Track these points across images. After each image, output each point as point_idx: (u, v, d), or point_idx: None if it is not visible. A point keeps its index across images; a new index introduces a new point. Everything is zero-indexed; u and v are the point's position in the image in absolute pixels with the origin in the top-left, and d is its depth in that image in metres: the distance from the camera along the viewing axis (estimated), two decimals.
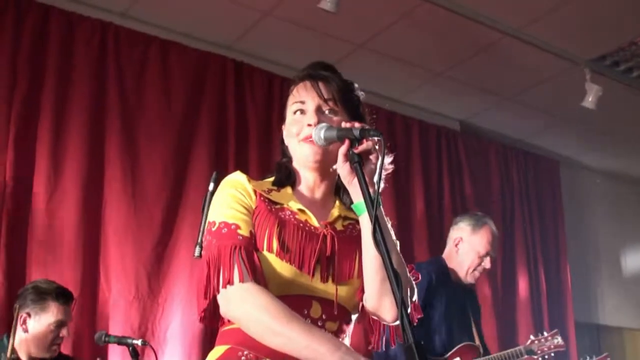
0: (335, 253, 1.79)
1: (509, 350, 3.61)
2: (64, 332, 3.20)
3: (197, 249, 2.62)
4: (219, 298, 1.69)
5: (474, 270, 3.61)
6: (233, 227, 1.75)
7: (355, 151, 1.71)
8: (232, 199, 1.82)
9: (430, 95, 5.46)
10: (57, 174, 3.88)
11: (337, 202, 1.95)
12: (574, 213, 6.56)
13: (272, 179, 1.93)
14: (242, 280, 1.66)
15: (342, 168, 1.77)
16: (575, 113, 5.50)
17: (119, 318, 3.84)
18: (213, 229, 1.77)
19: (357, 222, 1.87)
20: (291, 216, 1.82)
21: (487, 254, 3.61)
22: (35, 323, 3.15)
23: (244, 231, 1.75)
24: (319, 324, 1.74)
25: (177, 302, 4.02)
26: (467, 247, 3.62)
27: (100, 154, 4.08)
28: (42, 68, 3.98)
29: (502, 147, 6.18)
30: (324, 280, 1.77)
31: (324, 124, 1.80)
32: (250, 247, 1.72)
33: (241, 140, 4.59)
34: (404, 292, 1.83)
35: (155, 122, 4.28)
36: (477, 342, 3.59)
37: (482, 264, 3.60)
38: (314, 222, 1.83)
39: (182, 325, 4.00)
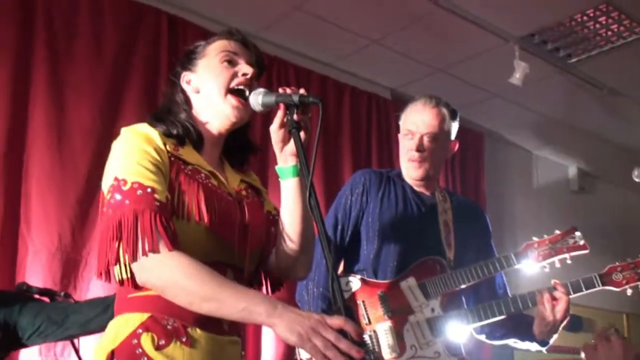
0: (250, 222, 1.78)
1: (491, 259, 2.77)
2: None
3: None
4: (136, 265, 1.57)
5: (404, 159, 2.78)
6: (149, 190, 1.61)
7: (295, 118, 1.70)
8: (144, 156, 1.67)
9: (363, 62, 5.49)
10: None
11: (227, 164, 1.92)
12: (494, 186, 6.77)
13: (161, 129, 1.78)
14: (169, 249, 1.55)
15: (277, 133, 1.77)
16: (503, 88, 5.66)
17: (40, 270, 3.75)
18: (124, 188, 1.64)
19: (251, 185, 1.91)
20: (207, 181, 1.73)
21: (408, 133, 2.75)
22: None
23: (161, 196, 1.62)
24: None
25: None
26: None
27: (24, 102, 3.93)
28: None
29: None
30: (242, 249, 1.75)
31: (261, 89, 1.78)
32: (167, 215, 1.61)
33: None
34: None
35: (84, 73, 4.15)
36: (448, 256, 2.74)
37: (407, 148, 2.76)
38: (227, 187, 1.79)
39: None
